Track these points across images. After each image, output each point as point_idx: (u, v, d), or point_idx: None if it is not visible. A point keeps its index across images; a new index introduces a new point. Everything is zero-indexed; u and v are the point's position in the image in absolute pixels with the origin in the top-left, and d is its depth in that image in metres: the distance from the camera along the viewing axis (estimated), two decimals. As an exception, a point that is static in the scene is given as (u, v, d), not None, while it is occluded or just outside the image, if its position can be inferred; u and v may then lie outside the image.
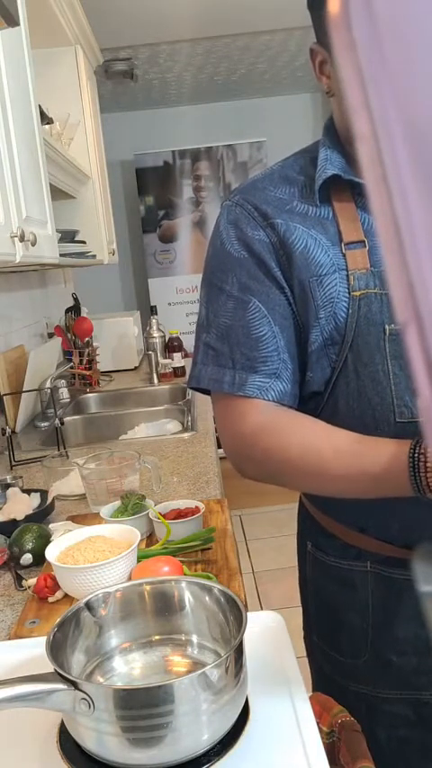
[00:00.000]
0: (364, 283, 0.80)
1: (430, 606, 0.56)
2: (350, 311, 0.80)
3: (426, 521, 0.82)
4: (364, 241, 0.81)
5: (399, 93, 0.20)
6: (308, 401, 0.86)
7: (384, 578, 0.90)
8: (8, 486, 1.50)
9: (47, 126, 2.20)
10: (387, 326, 0.78)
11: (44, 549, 1.04)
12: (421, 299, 0.21)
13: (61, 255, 2.01)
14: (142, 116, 4.63)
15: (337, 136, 0.86)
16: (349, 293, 0.80)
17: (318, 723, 0.67)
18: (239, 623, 0.67)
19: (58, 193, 2.45)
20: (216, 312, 0.86)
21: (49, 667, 0.63)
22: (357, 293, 0.80)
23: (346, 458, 0.76)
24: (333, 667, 0.97)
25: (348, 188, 0.83)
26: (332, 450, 0.78)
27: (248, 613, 0.69)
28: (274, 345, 0.82)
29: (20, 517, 1.29)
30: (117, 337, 3.16)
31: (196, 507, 1.20)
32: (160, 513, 1.16)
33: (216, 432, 1.92)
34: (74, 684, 0.61)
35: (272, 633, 0.82)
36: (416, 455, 0.70)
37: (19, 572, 1.14)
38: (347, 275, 0.80)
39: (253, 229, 0.84)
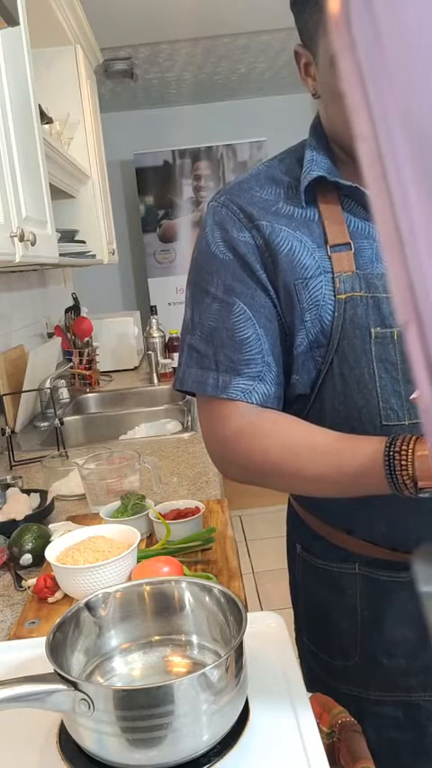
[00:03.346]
0: (350, 286, 0.79)
1: (430, 606, 0.56)
2: (336, 314, 0.80)
3: (411, 522, 0.82)
4: (349, 243, 0.81)
5: (399, 93, 0.20)
6: (294, 403, 0.87)
7: (372, 580, 0.90)
8: (8, 486, 1.50)
9: (46, 125, 2.20)
10: (372, 329, 0.78)
11: (44, 550, 1.04)
12: (421, 299, 0.21)
13: (61, 255, 2.00)
14: (142, 116, 4.63)
15: (324, 136, 0.85)
16: (335, 296, 0.80)
17: (318, 723, 0.67)
18: (239, 624, 0.67)
19: (57, 193, 2.45)
20: (201, 314, 0.85)
21: (48, 668, 0.62)
22: (343, 296, 0.79)
23: (324, 457, 0.76)
24: (323, 669, 0.97)
25: (334, 190, 0.82)
26: (310, 449, 0.78)
27: (248, 614, 0.69)
28: (258, 348, 0.82)
29: (19, 517, 1.29)
30: (117, 337, 3.16)
31: (196, 507, 1.20)
32: (160, 514, 1.16)
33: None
34: (74, 685, 0.61)
35: (272, 633, 0.81)
36: (391, 453, 0.70)
37: (19, 572, 1.14)
38: (333, 278, 0.80)
39: (238, 231, 0.83)
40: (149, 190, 4.42)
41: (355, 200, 0.82)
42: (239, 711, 0.66)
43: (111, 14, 2.80)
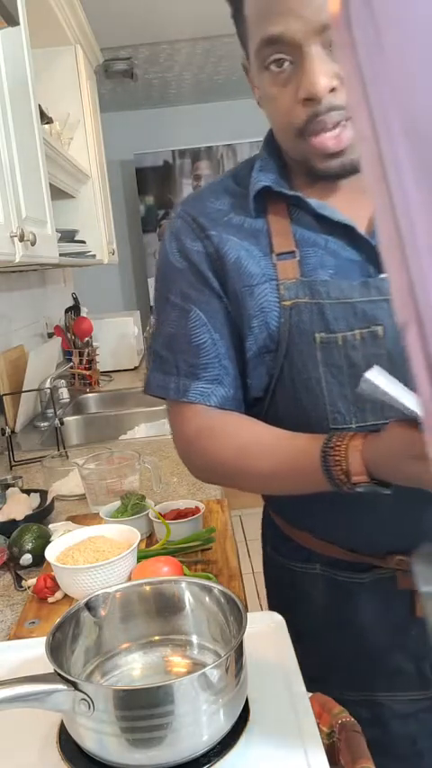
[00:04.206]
0: (294, 293, 0.81)
1: (430, 606, 0.56)
2: (282, 320, 0.81)
3: (367, 524, 0.84)
4: (294, 251, 0.82)
5: (398, 92, 0.20)
6: (253, 406, 0.89)
7: (333, 581, 0.91)
8: (8, 486, 1.50)
9: (46, 125, 2.20)
10: (317, 335, 0.80)
11: (44, 550, 1.04)
12: (421, 299, 0.21)
13: (61, 255, 2.00)
14: (142, 116, 4.63)
15: (277, 146, 0.86)
16: (280, 303, 0.81)
17: (318, 723, 0.67)
18: (239, 623, 0.67)
19: (57, 193, 2.45)
20: (163, 321, 0.89)
21: (48, 668, 0.62)
22: (288, 303, 0.81)
23: (271, 455, 0.79)
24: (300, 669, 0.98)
25: (283, 199, 0.84)
26: (258, 448, 0.81)
27: (248, 614, 0.69)
28: (214, 352, 0.85)
29: (19, 517, 1.29)
30: (117, 337, 3.16)
31: (196, 507, 1.20)
32: (160, 513, 1.16)
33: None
34: (73, 685, 0.61)
35: (272, 633, 0.81)
36: (326, 449, 0.72)
37: (19, 572, 1.14)
38: (278, 285, 0.82)
39: (192, 241, 0.86)
40: (149, 190, 4.42)
41: (301, 209, 0.83)
42: (239, 711, 0.66)
43: (111, 14, 2.80)
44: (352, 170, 0.79)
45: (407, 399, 0.62)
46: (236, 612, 0.69)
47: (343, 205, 0.81)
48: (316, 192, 0.82)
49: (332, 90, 0.73)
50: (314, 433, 0.78)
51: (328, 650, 0.93)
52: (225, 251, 0.84)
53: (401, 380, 0.74)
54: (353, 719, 0.69)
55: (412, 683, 0.90)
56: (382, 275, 0.79)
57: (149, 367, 0.91)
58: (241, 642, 0.65)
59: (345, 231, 0.80)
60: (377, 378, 0.63)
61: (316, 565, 0.93)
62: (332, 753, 0.66)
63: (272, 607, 1.04)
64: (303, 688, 0.71)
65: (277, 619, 0.84)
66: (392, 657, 0.90)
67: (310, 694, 0.71)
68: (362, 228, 0.80)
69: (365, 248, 0.80)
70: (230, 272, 0.83)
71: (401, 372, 0.76)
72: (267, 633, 0.81)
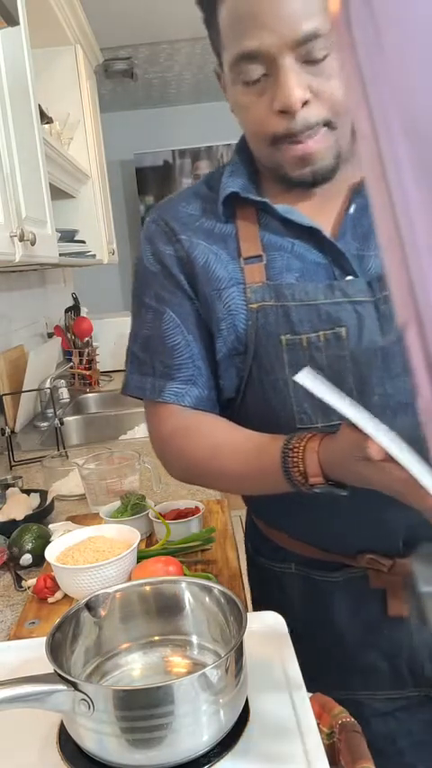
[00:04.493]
0: (260, 296, 0.82)
1: (430, 606, 0.56)
2: (249, 323, 0.83)
3: (337, 524, 0.85)
4: (261, 255, 0.83)
5: (398, 92, 0.20)
6: (226, 407, 0.90)
7: (308, 580, 0.92)
8: (8, 486, 1.50)
9: (46, 125, 2.20)
10: (283, 337, 0.81)
11: (44, 550, 1.04)
12: (421, 299, 0.21)
13: (61, 255, 2.00)
14: (142, 115, 4.63)
15: (250, 152, 0.87)
16: (247, 306, 0.83)
17: (318, 723, 0.67)
18: (239, 624, 0.67)
19: (57, 193, 2.45)
20: (140, 323, 0.91)
21: (48, 668, 0.62)
22: (254, 306, 0.82)
23: (240, 455, 0.81)
24: None
25: (252, 204, 0.85)
26: (230, 449, 0.83)
27: (248, 613, 0.69)
28: (188, 353, 0.87)
29: (19, 517, 1.29)
30: (117, 337, 3.16)
31: (196, 507, 1.20)
32: (160, 513, 1.16)
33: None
34: (73, 685, 0.61)
35: (272, 633, 0.81)
36: (286, 450, 0.74)
37: (18, 572, 1.14)
38: (245, 289, 0.83)
39: (164, 245, 0.88)
40: (149, 190, 4.42)
41: (269, 214, 0.84)
42: (239, 712, 0.66)
43: (111, 14, 2.80)
44: (324, 178, 0.80)
45: (337, 401, 0.62)
46: (236, 612, 0.69)
47: (311, 211, 0.82)
48: (288, 199, 0.84)
49: (305, 103, 0.73)
50: (283, 432, 0.79)
51: (308, 650, 0.93)
52: (194, 255, 0.85)
53: (363, 380, 0.76)
54: (353, 720, 0.69)
55: (388, 682, 0.91)
56: (348, 277, 0.80)
57: (128, 369, 0.93)
58: (241, 642, 0.65)
59: (311, 235, 0.81)
60: (305, 380, 0.63)
61: (291, 564, 0.94)
62: (332, 753, 0.66)
63: (254, 606, 1.05)
64: (303, 688, 0.71)
65: (277, 619, 0.84)
66: (368, 656, 0.91)
67: (310, 694, 0.71)
68: (328, 232, 0.81)
69: (331, 251, 0.81)
70: (200, 275, 0.85)
71: (363, 372, 0.77)
72: (267, 633, 0.81)
